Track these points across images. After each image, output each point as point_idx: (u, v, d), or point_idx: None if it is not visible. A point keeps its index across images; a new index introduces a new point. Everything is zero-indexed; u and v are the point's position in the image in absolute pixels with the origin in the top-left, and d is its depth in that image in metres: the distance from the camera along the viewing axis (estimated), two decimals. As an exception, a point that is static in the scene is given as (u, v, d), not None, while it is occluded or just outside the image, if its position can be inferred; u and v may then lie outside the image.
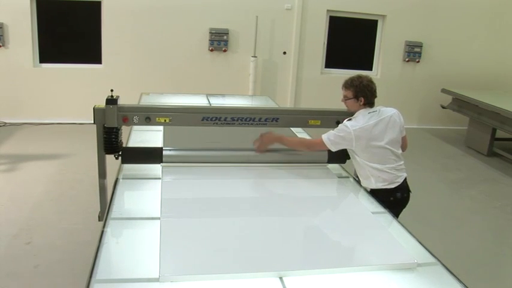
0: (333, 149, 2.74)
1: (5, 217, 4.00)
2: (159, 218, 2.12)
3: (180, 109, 2.85)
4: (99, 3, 6.84)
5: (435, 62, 8.03)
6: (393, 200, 2.72)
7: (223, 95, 5.75)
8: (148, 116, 2.69)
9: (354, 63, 7.87)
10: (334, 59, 7.87)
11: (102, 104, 2.59)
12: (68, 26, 7.16)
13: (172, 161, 2.80)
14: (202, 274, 1.70)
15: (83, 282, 1.63)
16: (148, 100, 4.63)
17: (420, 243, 2.08)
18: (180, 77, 7.24)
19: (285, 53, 7.59)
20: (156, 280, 1.65)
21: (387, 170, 2.71)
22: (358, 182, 2.85)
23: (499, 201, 5.11)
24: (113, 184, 2.57)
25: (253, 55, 7.33)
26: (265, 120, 2.82)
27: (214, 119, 2.75)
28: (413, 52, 7.92)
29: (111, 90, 2.63)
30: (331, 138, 2.71)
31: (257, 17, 7.15)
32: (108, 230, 2.03)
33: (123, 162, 2.75)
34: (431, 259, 1.94)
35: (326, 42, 7.75)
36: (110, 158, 2.69)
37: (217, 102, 4.92)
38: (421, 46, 7.90)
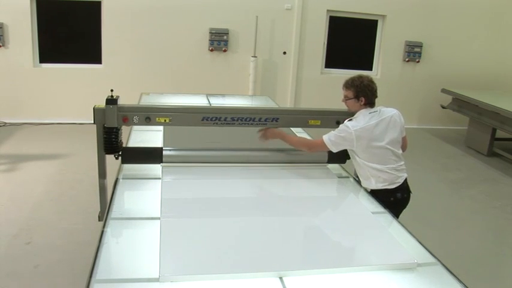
0: (334, 150, 2.74)
1: (5, 217, 4.00)
2: (159, 218, 2.12)
3: (180, 109, 2.85)
4: (99, 3, 6.84)
5: (435, 62, 8.03)
6: (393, 200, 2.71)
7: (223, 95, 5.75)
8: (148, 116, 2.69)
9: (354, 63, 7.87)
10: (334, 59, 7.87)
11: (102, 104, 2.59)
12: (68, 26, 7.16)
13: (172, 161, 2.80)
14: (202, 274, 1.70)
15: (83, 282, 1.63)
16: (148, 100, 4.63)
17: (420, 243, 2.08)
18: (180, 77, 7.24)
19: (285, 53, 7.59)
20: (156, 280, 1.65)
21: (387, 171, 2.70)
22: (358, 182, 2.85)
23: (499, 201, 5.11)
24: (113, 184, 2.57)
25: (253, 55, 7.33)
26: (265, 120, 2.82)
27: (214, 119, 2.75)
28: (413, 52, 7.92)
29: (111, 90, 2.63)
30: (332, 139, 2.70)
31: (257, 17, 7.15)
32: (108, 230, 2.03)
33: (123, 162, 2.76)
34: (431, 259, 1.94)
35: (326, 42, 7.75)
36: (110, 158, 2.69)
37: (217, 102, 4.92)
38: (421, 46, 7.90)
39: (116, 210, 2.22)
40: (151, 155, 2.79)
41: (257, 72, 7.47)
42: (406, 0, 7.70)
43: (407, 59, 7.96)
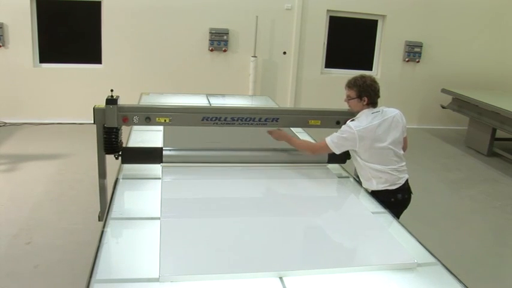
0: (337, 152, 2.73)
1: (5, 217, 4.00)
2: (159, 218, 2.12)
3: (180, 109, 2.85)
4: (99, 3, 6.84)
5: (435, 62, 8.03)
6: (394, 201, 2.71)
7: (223, 95, 5.75)
8: (148, 116, 2.69)
9: (354, 63, 7.87)
10: (334, 59, 7.87)
11: (102, 104, 2.59)
12: (68, 26, 7.16)
13: (172, 161, 2.80)
14: (202, 274, 1.70)
15: (83, 282, 1.63)
16: (148, 100, 4.63)
17: (420, 243, 2.08)
18: (180, 77, 7.24)
19: (285, 53, 7.59)
20: (156, 280, 1.65)
21: (389, 171, 2.70)
22: (359, 182, 2.85)
23: (499, 201, 5.11)
24: (113, 184, 2.57)
25: (253, 55, 7.33)
26: (265, 120, 2.82)
27: (214, 119, 2.75)
28: (413, 52, 7.92)
29: (111, 90, 2.63)
30: (335, 141, 2.70)
31: (257, 17, 7.15)
32: (108, 230, 2.03)
33: (123, 162, 2.76)
34: (431, 259, 1.94)
35: (326, 42, 7.75)
36: (110, 158, 2.69)
37: (217, 102, 4.92)
38: (421, 46, 7.90)
39: (116, 210, 2.22)
40: (151, 155, 2.79)
41: (257, 72, 7.47)
42: (406, 0, 7.70)
43: (407, 59, 7.96)
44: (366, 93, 2.73)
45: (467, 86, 7.75)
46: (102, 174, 2.66)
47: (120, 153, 2.71)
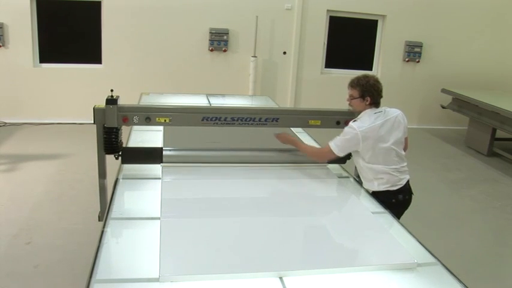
0: (341, 155, 2.73)
1: (5, 217, 4.00)
2: (159, 218, 2.12)
3: (180, 109, 2.85)
4: (99, 3, 6.84)
5: (435, 62, 8.03)
6: (395, 201, 2.71)
7: (223, 95, 5.75)
8: (148, 116, 2.69)
9: (354, 63, 7.87)
10: (334, 59, 7.87)
11: (102, 104, 2.59)
12: (68, 26, 7.16)
13: (172, 161, 2.80)
14: (202, 274, 1.70)
15: (83, 282, 1.63)
16: (148, 100, 4.63)
17: (420, 243, 2.08)
18: (180, 77, 7.24)
19: (285, 53, 7.59)
20: (156, 280, 1.65)
21: (390, 172, 2.70)
22: (359, 182, 2.85)
23: (499, 201, 5.11)
24: (113, 184, 2.57)
25: (253, 55, 7.33)
26: (265, 120, 2.82)
27: (214, 119, 2.75)
28: (413, 52, 7.92)
29: (111, 90, 2.64)
30: (338, 144, 2.69)
31: (257, 17, 7.15)
32: (108, 230, 2.03)
33: (123, 162, 2.76)
34: (431, 259, 1.94)
35: (326, 42, 7.75)
36: (110, 158, 2.69)
37: (217, 102, 4.92)
38: (421, 46, 7.90)
39: (116, 210, 2.22)
40: (151, 155, 2.79)
41: (257, 72, 7.46)
42: (406, 0, 7.70)
43: (407, 59, 7.96)
44: (369, 93, 2.72)
45: (467, 86, 7.75)
46: (102, 174, 2.66)
47: (120, 153, 2.71)
